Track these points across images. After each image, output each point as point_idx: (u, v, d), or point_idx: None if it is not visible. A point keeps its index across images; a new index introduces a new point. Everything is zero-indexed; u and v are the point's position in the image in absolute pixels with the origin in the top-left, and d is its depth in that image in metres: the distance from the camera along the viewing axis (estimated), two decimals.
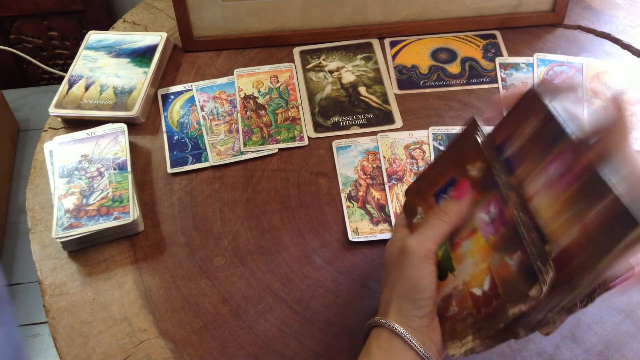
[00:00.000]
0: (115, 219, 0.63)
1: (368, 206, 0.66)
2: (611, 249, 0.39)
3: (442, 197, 0.49)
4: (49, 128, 0.76)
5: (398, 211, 0.65)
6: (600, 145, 0.40)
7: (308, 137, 0.73)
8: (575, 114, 0.43)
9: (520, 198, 0.44)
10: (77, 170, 0.68)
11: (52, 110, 0.75)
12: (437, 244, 0.47)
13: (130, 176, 0.68)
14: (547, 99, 0.44)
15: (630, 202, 0.38)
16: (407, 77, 0.79)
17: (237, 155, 0.71)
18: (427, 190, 0.51)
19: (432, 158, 0.70)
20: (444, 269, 0.48)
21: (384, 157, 0.70)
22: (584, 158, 0.41)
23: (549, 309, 0.42)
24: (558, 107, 0.43)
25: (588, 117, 0.42)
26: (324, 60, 0.81)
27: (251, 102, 0.77)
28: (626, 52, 0.81)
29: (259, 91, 0.78)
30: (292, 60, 0.81)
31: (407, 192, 0.54)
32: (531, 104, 0.45)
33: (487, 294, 0.44)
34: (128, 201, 0.65)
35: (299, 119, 0.75)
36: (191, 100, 0.77)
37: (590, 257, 0.40)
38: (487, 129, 0.47)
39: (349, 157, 0.70)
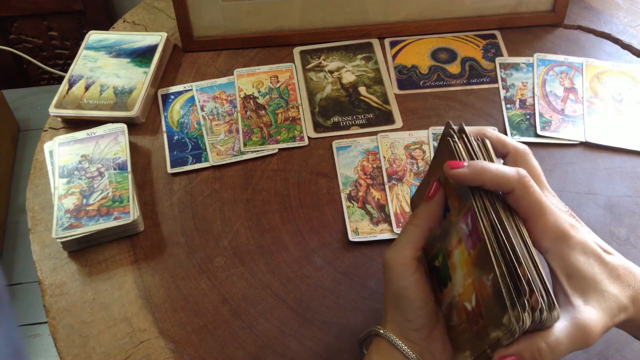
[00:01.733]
0: (115, 219, 0.63)
1: (368, 206, 0.66)
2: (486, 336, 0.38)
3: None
4: (49, 128, 0.76)
5: (398, 211, 0.65)
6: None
7: (308, 137, 0.73)
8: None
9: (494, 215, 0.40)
10: (77, 170, 0.68)
11: (52, 110, 0.75)
12: (414, 249, 0.45)
13: (130, 176, 0.68)
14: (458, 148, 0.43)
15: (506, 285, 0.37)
16: (407, 77, 0.79)
17: (237, 155, 0.71)
18: (420, 200, 0.49)
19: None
20: (444, 276, 0.46)
21: (384, 157, 0.70)
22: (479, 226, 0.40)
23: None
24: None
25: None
26: (324, 60, 0.81)
27: (251, 102, 0.77)
28: (626, 52, 0.81)
29: (259, 91, 0.78)
30: (292, 60, 0.81)
31: (411, 204, 0.54)
32: (449, 152, 0.44)
33: (474, 311, 0.41)
34: (128, 201, 0.65)
35: (299, 119, 0.75)
36: (191, 100, 0.77)
37: (480, 329, 0.40)
38: (469, 129, 0.45)
39: (349, 157, 0.70)
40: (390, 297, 0.46)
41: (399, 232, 0.64)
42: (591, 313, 0.39)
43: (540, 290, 0.38)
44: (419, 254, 0.46)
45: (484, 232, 0.40)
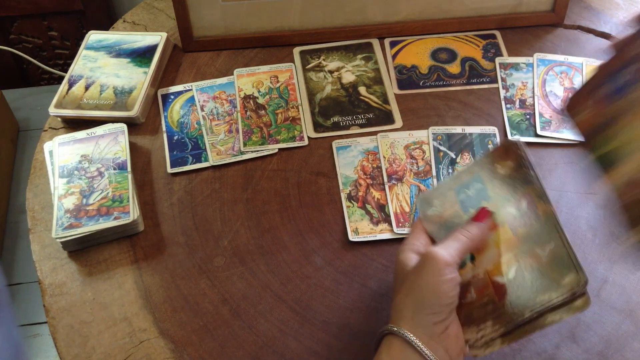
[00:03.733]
0: (115, 219, 0.63)
1: (368, 206, 0.66)
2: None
3: (463, 191, 0.53)
4: (49, 128, 0.76)
5: (398, 211, 0.65)
6: None
7: (308, 137, 0.73)
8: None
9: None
10: (77, 170, 0.68)
11: (52, 110, 0.75)
12: (460, 257, 0.48)
13: (130, 176, 0.68)
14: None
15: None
16: (407, 77, 0.79)
17: (237, 155, 0.71)
18: (582, 97, 0.52)
19: (432, 158, 0.70)
20: (463, 259, 0.50)
21: (384, 157, 0.70)
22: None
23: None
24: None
25: None
26: (324, 60, 0.81)
27: (251, 102, 0.77)
28: None
29: (259, 91, 0.78)
30: (292, 60, 0.81)
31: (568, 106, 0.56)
32: (504, 151, 0.51)
33: (512, 283, 0.47)
34: (128, 201, 0.65)
35: (299, 119, 0.75)
36: (191, 100, 0.77)
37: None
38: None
39: (349, 157, 0.70)
40: (421, 290, 0.46)
41: (399, 232, 0.64)
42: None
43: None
44: (459, 260, 0.48)
45: (546, 210, 0.47)
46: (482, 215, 0.50)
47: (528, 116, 0.74)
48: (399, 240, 0.64)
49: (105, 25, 0.95)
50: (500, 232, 0.49)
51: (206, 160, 0.71)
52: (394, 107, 0.75)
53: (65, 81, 0.77)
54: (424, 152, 0.70)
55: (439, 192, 0.54)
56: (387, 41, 0.83)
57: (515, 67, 0.79)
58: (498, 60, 0.80)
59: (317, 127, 0.74)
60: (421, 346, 0.45)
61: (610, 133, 0.48)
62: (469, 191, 0.52)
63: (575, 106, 0.52)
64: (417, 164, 0.69)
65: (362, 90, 0.78)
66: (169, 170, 0.70)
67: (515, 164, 0.50)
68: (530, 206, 0.48)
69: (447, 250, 0.47)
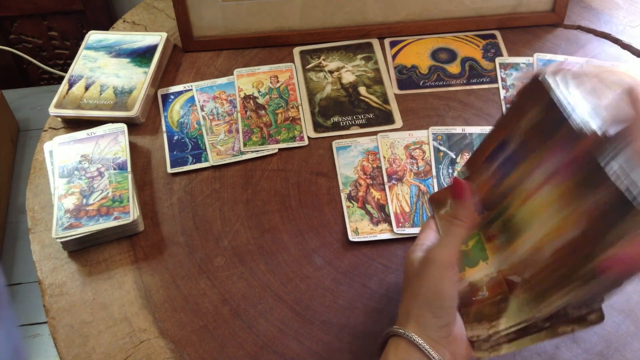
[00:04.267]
0: (115, 219, 0.63)
1: (368, 206, 0.66)
2: (606, 234, 0.39)
3: (490, 163, 0.49)
4: (49, 128, 0.76)
5: (398, 211, 0.65)
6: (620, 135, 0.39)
7: (308, 137, 0.73)
8: (585, 101, 0.42)
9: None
10: (77, 170, 0.68)
11: (52, 110, 0.75)
12: (457, 250, 0.47)
13: (130, 176, 0.68)
14: (553, 85, 0.43)
15: (627, 186, 0.38)
16: (407, 77, 0.79)
17: (237, 155, 0.71)
18: (479, 159, 0.51)
19: (432, 158, 0.70)
20: (474, 257, 0.49)
21: (384, 157, 0.70)
22: (583, 145, 0.41)
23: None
24: (564, 93, 0.42)
25: (603, 108, 0.41)
26: (324, 60, 0.81)
27: (251, 102, 0.77)
28: (626, 52, 0.81)
29: (259, 91, 0.78)
30: (292, 60, 0.81)
31: (467, 165, 0.53)
32: (535, 91, 0.44)
33: (553, 261, 0.43)
34: (128, 201, 0.65)
35: (299, 119, 0.75)
36: (191, 100, 0.77)
37: (590, 245, 0.40)
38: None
39: (349, 157, 0.70)
40: (423, 294, 0.46)
41: (399, 232, 0.64)
42: None
43: None
44: (459, 254, 0.47)
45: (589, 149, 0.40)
46: (459, 189, 0.49)
47: None
48: (399, 241, 0.64)
49: (105, 25, 0.95)
50: (549, 188, 0.44)
51: (206, 160, 0.71)
52: (394, 107, 0.75)
53: (65, 81, 0.77)
54: (424, 152, 0.70)
55: None
56: (387, 41, 0.83)
57: (515, 67, 0.79)
58: (498, 60, 0.80)
59: (317, 127, 0.74)
60: (428, 349, 0.45)
61: (501, 207, 0.48)
62: (497, 161, 0.49)
63: (473, 167, 0.51)
64: (417, 164, 0.69)
65: (362, 90, 0.78)
66: (169, 170, 0.70)
67: (544, 106, 0.44)
68: (567, 152, 0.42)
69: (446, 250, 0.47)
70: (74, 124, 0.75)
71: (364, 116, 0.75)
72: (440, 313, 0.46)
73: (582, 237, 0.41)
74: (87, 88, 0.77)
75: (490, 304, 0.47)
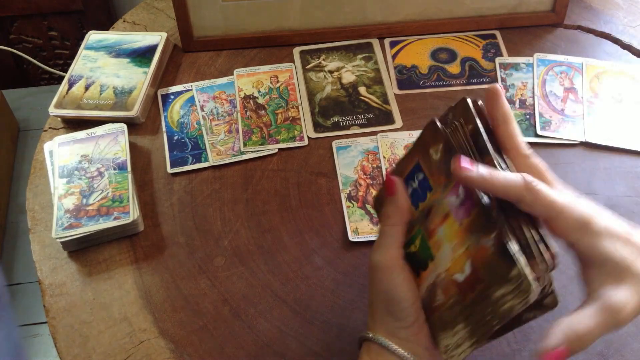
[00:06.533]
0: (115, 219, 0.64)
1: (368, 206, 0.66)
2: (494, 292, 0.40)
3: (410, 184, 0.49)
4: (49, 128, 0.76)
5: None
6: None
7: (308, 137, 0.73)
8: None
9: None
10: (77, 170, 0.68)
11: (52, 110, 0.75)
12: (397, 248, 0.46)
13: (130, 176, 0.68)
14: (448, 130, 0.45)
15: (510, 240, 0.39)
16: (407, 77, 0.79)
17: (237, 155, 0.71)
18: (402, 172, 0.50)
19: None
20: (424, 258, 0.46)
21: (384, 157, 0.70)
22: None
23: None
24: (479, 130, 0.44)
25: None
26: (324, 60, 0.81)
27: (251, 102, 0.77)
28: (626, 52, 0.81)
29: (259, 91, 0.78)
30: (292, 60, 0.81)
31: (375, 203, 0.53)
32: (434, 132, 0.45)
33: (469, 278, 0.42)
34: (128, 201, 0.65)
35: (299, 119, 0.75)
36: (191, 100, 0.77)
37: (478, 294, 0.41)
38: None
39: (349, 157, 0.70)
40: (379, 300, 0.46)
41: None
42: (620, 294, 0.39)
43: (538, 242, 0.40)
44: (402, 251, 0.46)
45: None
46: (390, 186, 0.48)
47: (528, 116, 0.74)
48: None
49: (105, 25, 0.95)
50: (448, 224, 0.44)
51: (206, 160, 0.71)
52: (394, 107, 0.75)
53: (65, 81, 0.77)
54: None
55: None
56: (387, 41, 0.83)
57: (515, 67, 0.79)
58: (498, 60, 0.80)
59: (317, 127, 0.74)
60: (397, 349, 0.44)
61: (415, 232, 0.48)
62: (414, 183, 0.48)
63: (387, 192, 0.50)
64: None
65: (362, 90, 0.78)
66: (169, 170, 0.70)
67: (444, 146, 0.45)
68: (468, 191, 0.43)
69: (383, 252, 0.46)
70: (74, 124, 0.75)
71: (364, 116, 0.75)
72: (400, 315, 0.45)
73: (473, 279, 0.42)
74: (87, 88, 0.77)
75: (447, 308, 0.45)
